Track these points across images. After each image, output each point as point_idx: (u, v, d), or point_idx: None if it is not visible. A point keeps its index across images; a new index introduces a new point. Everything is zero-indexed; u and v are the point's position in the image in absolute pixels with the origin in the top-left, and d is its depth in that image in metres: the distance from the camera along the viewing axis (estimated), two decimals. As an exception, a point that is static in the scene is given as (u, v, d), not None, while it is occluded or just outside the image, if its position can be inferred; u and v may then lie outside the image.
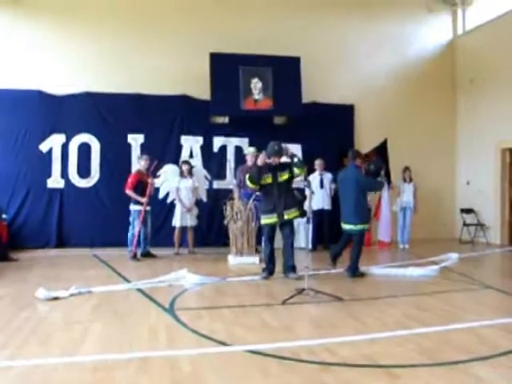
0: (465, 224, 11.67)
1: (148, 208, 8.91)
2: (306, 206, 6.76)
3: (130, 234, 8.87)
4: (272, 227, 6.87)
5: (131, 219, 8.87)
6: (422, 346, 4.03)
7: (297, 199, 6.90)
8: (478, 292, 6.29)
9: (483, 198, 11.70)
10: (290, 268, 6.76)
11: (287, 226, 6.84)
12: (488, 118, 11.58)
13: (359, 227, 7.06)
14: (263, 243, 7.14)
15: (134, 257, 8.78)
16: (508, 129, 10.98)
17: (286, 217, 6.71)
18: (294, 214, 6.78)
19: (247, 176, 6.85)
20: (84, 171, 10.32)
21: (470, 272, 7.55)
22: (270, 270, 6.83)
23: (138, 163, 9.29)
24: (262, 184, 6.81)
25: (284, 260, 6.87)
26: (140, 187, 8.80)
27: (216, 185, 10.69)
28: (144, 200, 8.77)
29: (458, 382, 3.30)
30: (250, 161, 9.46)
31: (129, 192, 8.81)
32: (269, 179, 6.76)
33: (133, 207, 8.87)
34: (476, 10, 12.32)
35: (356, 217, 7.02)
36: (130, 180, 8.87)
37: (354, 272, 7.06)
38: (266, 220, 6.84)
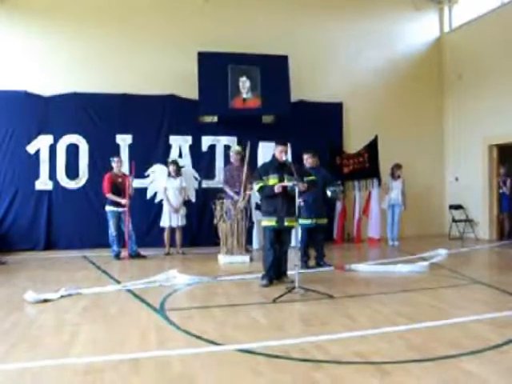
0: (454, 220, 11.76)
1: (124, 208, 8.91)
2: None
3: (109, 235, 8.99)
4: (274, 231, 6.42)
5: (108, 220, 8.98)
6: (411, 341, 4.05)
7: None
8: (467, 287, 6.33)
9: (471, 194, 11.80)
10: (283, 273, 6.67)
11: (285, 233, 6.58)
12: (475, 114, 11.67)
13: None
14: (265, 250, 6.55)
15: (117, 256, 8.89)
16: (495, 125, 11.09)
17: (285, 223, 6.36)
18: (294, 222, 6.33)
19: (257, 186, 6.39)
20: (72, 172, 10.26)
21: (459, 267, 7.61)
22: (270, 277, 6.47)
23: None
24: (265, 185, 6.34)
25: (277, 265, 6.67)
26: (115, 189, 8.88)
27: (205, 184, 10.69)
28: (124, 201, 8.81)
29: (448, 377, 3.32)
30: (232, 158, 9.50)
31: (109, 196, 8.89)
32: (274, 180, 6.34)
33: (108, 208, 8.95)
34: (462, 7, 12.42)
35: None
36: (105, 184, 8.93)
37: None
38: (266, 222, 6.46)
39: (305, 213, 7.50)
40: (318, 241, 7.91)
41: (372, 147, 11.02)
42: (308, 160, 7.84)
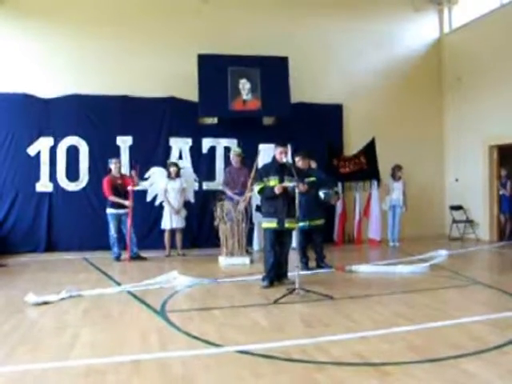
0: (454, 221, 11.76)
1: (125, 210, 8.92)
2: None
3: (109, 237, 8.98)
4: (275, 232, 6.41)
5: (109, 222, 8.97)
6: (412, 342, 4.06)
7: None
8: (468, 288, 6.33)
9: (472, 194, 11.79)
10: (284, 274, 6.68)
11: (286, 235, 6.59)
12: (475, 115, 11.66)
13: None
14: (266, 251, 6.55)
15: (118, 258, 8.89)
16: (495, 126, 11.08)
17: (286, 225, 6.35)
18: (295, 224, 6.29)
19: (258, 188, 6.44)
20: (73, 174, 10.26)
21: (460, 268, 7.60)
22: (271, 279, 6.46)
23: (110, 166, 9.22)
24: (266, 186, 6.36)
25: (278, 267, 6.64)
26: (116, 191, 8.87)
27: (205, 186, 10.69)
28: (128, 203, 8.81)
29: (448, 378, 3.33)
30: (233, 160, 9.46)
31: (112, 198, 8.84)
32: (274, 182, 6.34)
33: (108, 210, 8.92)
34: (462, 8, 12.42)
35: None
36: (105, 187, 8.90)
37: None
38: (267, 224, 6.45)
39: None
40: (316, 242, 7.87)
41: (369, 149, 11.02)
42: (299, 162, 7.66)
